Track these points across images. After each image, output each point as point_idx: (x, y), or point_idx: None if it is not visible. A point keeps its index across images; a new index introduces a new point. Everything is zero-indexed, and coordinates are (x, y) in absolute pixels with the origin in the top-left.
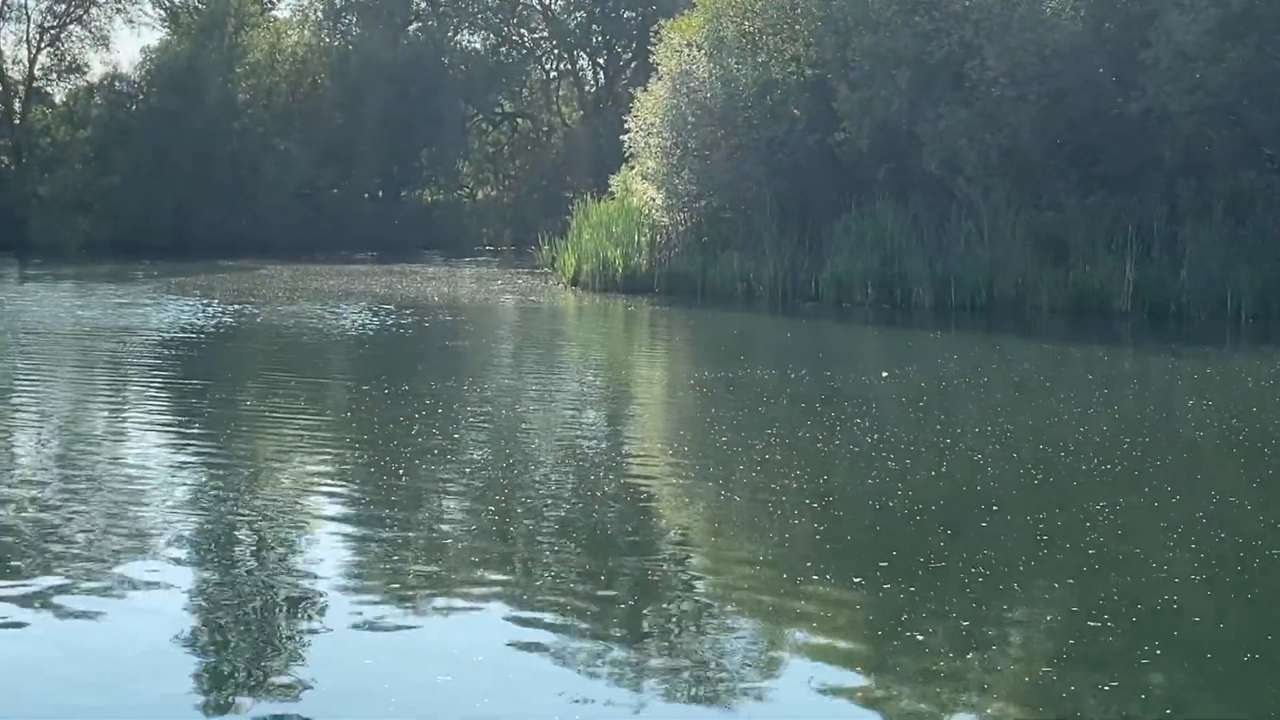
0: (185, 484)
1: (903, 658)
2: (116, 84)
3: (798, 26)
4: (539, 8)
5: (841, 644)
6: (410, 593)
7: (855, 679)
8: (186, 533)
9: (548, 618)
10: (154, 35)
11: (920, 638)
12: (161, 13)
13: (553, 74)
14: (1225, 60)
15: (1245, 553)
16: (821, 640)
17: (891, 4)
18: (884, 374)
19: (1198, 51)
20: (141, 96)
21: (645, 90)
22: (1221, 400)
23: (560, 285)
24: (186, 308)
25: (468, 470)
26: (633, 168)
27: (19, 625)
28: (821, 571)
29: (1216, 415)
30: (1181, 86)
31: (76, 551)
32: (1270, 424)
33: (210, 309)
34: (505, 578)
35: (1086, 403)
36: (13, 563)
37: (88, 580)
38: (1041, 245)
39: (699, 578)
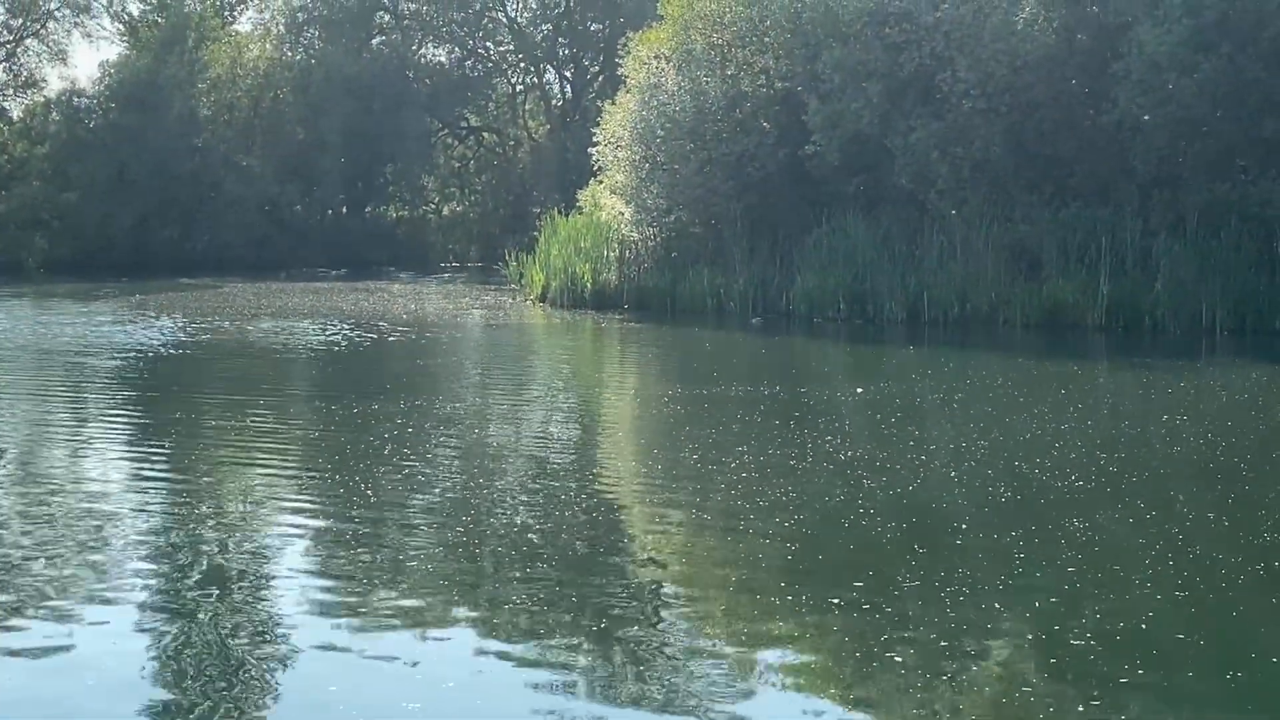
0: (146, 506)
1: (880, 678)
2: (75, 99)
3: (767, 39)
4: (505, 21)
5: (817, 665)
6: (378, 617)
7: (831, 700)
8: (148, 556)
9: (518, 641)
10: (113, 49)
11: (897, 658)
12: (120, 27)
13: (519, 87)
14: (1198, 72)
15: (1223, 569)
16: (797, 661)
17: (861, 16)
18: (857, 390)
19: (1170, 63)
20: (100, 112)
21: (613, 103)
22: (1196, 415)
23: (528, 302)
24: (147, 327)
25: (436, 491)
26: (601, 182)
27: None
28: (796, 592)
29: (1191, 430)
30: (1154, 98)
31: (34, 575)
32: (1245, 438)
33: (172, 328)
34: (474, 601)
35: (1060, 418)
36: None
37: (46, 606)
38: (1014, 259)
39: (671, 598)
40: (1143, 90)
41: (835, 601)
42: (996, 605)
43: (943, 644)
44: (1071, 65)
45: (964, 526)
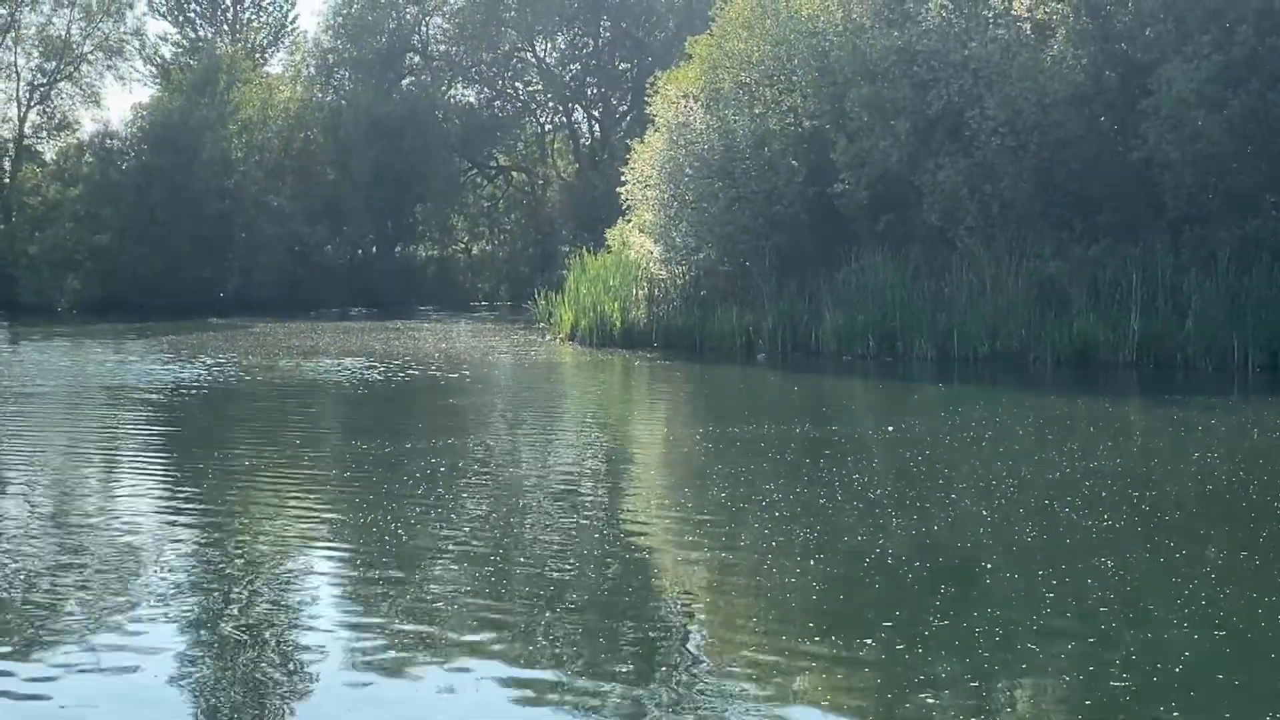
0: (178, 541)
1: (912, 717)
2: (107, 141)
3: (794, 78)
4: (534, 61)
5: (847, 706)
6: (405, 655)
7: None
8: (179, 591)
9: (546, 680)
10: (145, 92)
11: (928, 700)
12: (153, 69)
13: (548, 127)
14: (1227, 108)
15: (1259, 609)
16: (827, 702)
17: (889, 54)
18: (887, 428)
19: (1199, 100)
20: (132, 154)
21: (641, 142)
22: (1228, 452)
23: (557, 340)
24: (179, 367)
25: (467, 529)
26: (629, 220)
27: (5, 674)
28: (826, 631)
29: (1223, 468)
30: (1183, 135)
31: (67, 609)
32: (1278, 476)
33: (203, 367)
34: (503, 640)
35: (1091, 456)
36: (3, 616)
37: (78, 638)
38: (1044, 296)
39: (701, 638)
40: (1172, 127)
41: (864, 641)
42: (1027, 646)
43: (973, 685)
44: (1100, 102)
45: (993, 566)
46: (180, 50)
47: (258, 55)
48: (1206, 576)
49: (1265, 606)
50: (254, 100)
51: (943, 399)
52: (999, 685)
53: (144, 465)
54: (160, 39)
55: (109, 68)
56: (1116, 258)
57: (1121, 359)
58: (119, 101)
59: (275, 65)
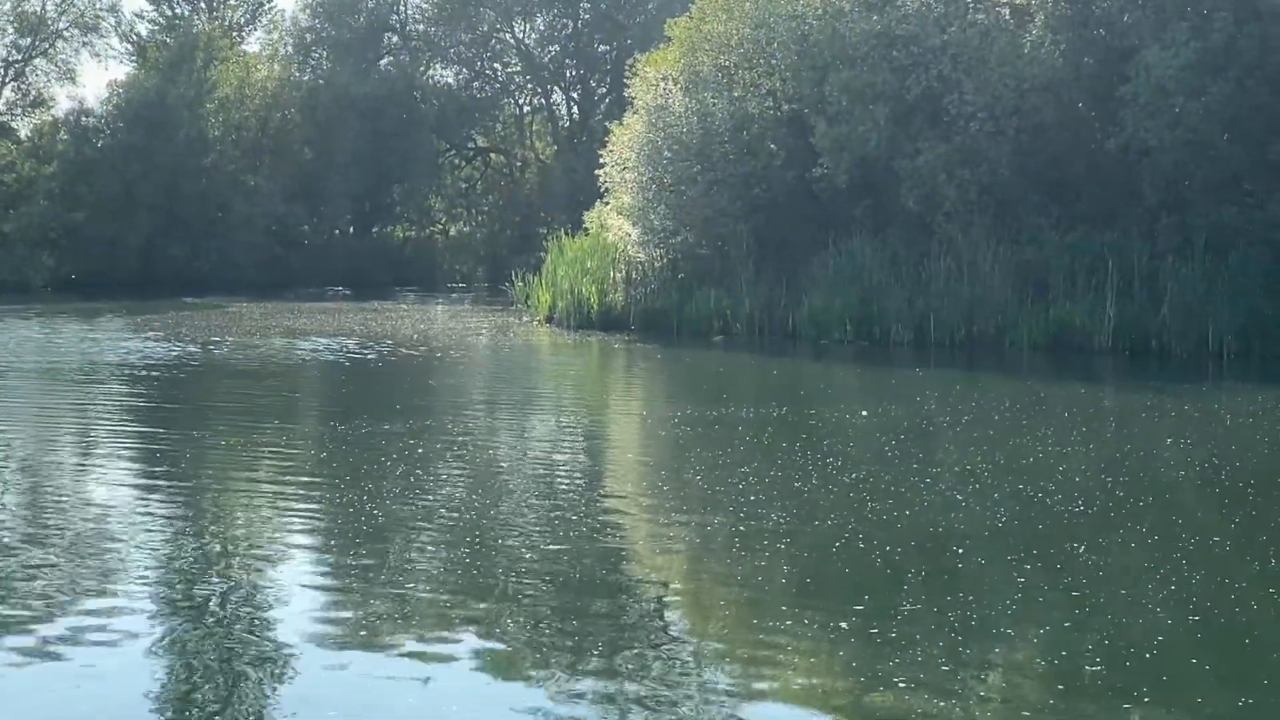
0: (152, 524)
1: (884, 703)
2: (83, 119)
3: (774, 61)
4: (513, 42)
5: (822, 688)
6: (382, 639)
7: None
8: (152, 575)
9: (523, 663)
10: (121, 69)
11: (901, 683)
12: (129, 47)
13: (526, 109)
14: (1205, 96)
15: (1231, 593)
16: (801, 684)
17: (869, 39)
18: (863, 413)
19: (1177, 87)
20: (108, 131)
21: (620, 125)
22: (1202, 438)
23: (534, 322)
24: (154, 346)
25: (444, 511)
26: (607, 203)
27: None
28: (800, 615)
29: (1197, 454)
30: (1161, 121)
31: (38, 594)
32: (1250, 462)
33: (179, 347)
34: (479, 623)
35: (1066, 441)
36: None
37: (49, 625)
38: (1021, 281)
39: (676, 620)
40: (1150, 114)
41: (839, 625)
42: (1001, 630)
43: (947, 668)
44: (1078, 88)
45: (968, 550)
46: (157, 28)
47: (235, 33)
48: (1179, 561)
49: (1237, 591)
50: (231, 79)
51: (919, 383)
52: (973, 669)
53: (118, 445)
54: (137, 16)
55: (85, 44)
56: (1093, 244)
57: (1097, 345)
58: (95, 79)
59: (253, 44)
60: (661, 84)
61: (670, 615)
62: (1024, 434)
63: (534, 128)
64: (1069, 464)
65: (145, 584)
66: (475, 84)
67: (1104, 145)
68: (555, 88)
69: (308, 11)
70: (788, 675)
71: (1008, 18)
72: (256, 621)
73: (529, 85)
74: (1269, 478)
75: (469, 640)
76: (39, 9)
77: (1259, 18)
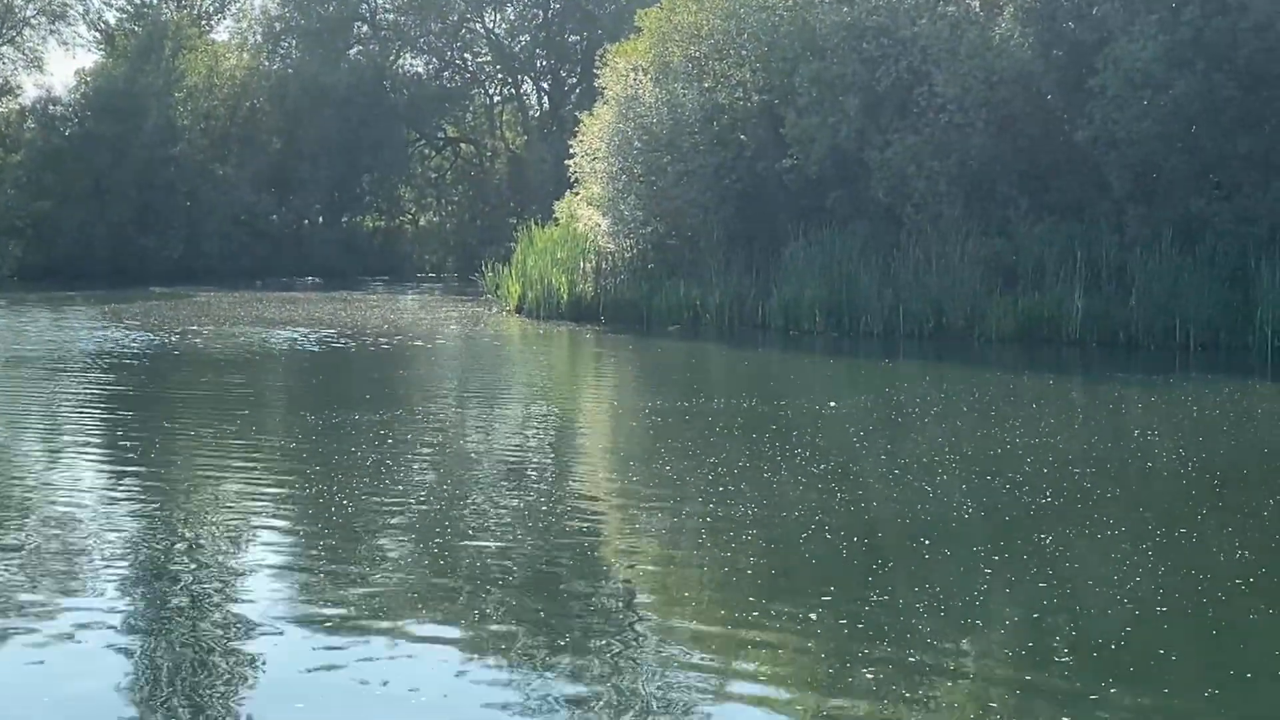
0: (120, 516)
1: (851, 693)
2: (50, 107)
3: (744, 52)
4: (483, 32)
5: (790, 678)
6: (350, 630)
7: (803, 714)
8: (120, 567)
9: (491, 655)
10: (89, 58)
11: (869, 673)
12: (96, 35)
13: (496, 98)
14: (1173, 88)
15: (1197, 585)
16: (770, 674)
17: (839, 30)
18: (832, 403)
19: (1145, 79)
20: (76, 120)
21: (590, 115)
22: (1169, 429)
23: (504, 313)
24: (123, 336)
25: (413, 502)
26: (578, 193)
27: None
28: (768, 605)
29: (1164, 445)
30: (1129, 114)
31: (4, 587)
32: (1217, 453)
33: (147, 337)
34: (448, 614)
35: (1035, 432)
36: None
37: (16, 617)
38: (990, 272)
39: (646, 611)
40: (1118, 106)
41: (806, 616)
42: (970, 619)
43: (913, 659)
44: (1048, 80)
45: (936, 540)
46: (125, 15)
47: (204, 22)
48: (1146, 552)
49: (1204, 582)
50: (200, 67)
51: (889, 374)
52: (941, 659)
53: (86, 434)
54: (105, 4)
55: (52, 32)
56: (1062, 236)
57: (1066, 336)
58: (62, 67)
59: (222, 32)
60: (632, 74)
61: (640, 604)
62: (992, 425)
63: (504, 118)
64: (1037, 455)
65: (112, 574)
66: (445, 74)
67: (1073, 137)
68: (525, 78)
69: (277, 0)
70: (757, 665)
71: (977, 10)
72: (225, 611)
73: (499, 75)
74: (1235, 469)
75: (438, 629)
76: None
77: (1226, 11)
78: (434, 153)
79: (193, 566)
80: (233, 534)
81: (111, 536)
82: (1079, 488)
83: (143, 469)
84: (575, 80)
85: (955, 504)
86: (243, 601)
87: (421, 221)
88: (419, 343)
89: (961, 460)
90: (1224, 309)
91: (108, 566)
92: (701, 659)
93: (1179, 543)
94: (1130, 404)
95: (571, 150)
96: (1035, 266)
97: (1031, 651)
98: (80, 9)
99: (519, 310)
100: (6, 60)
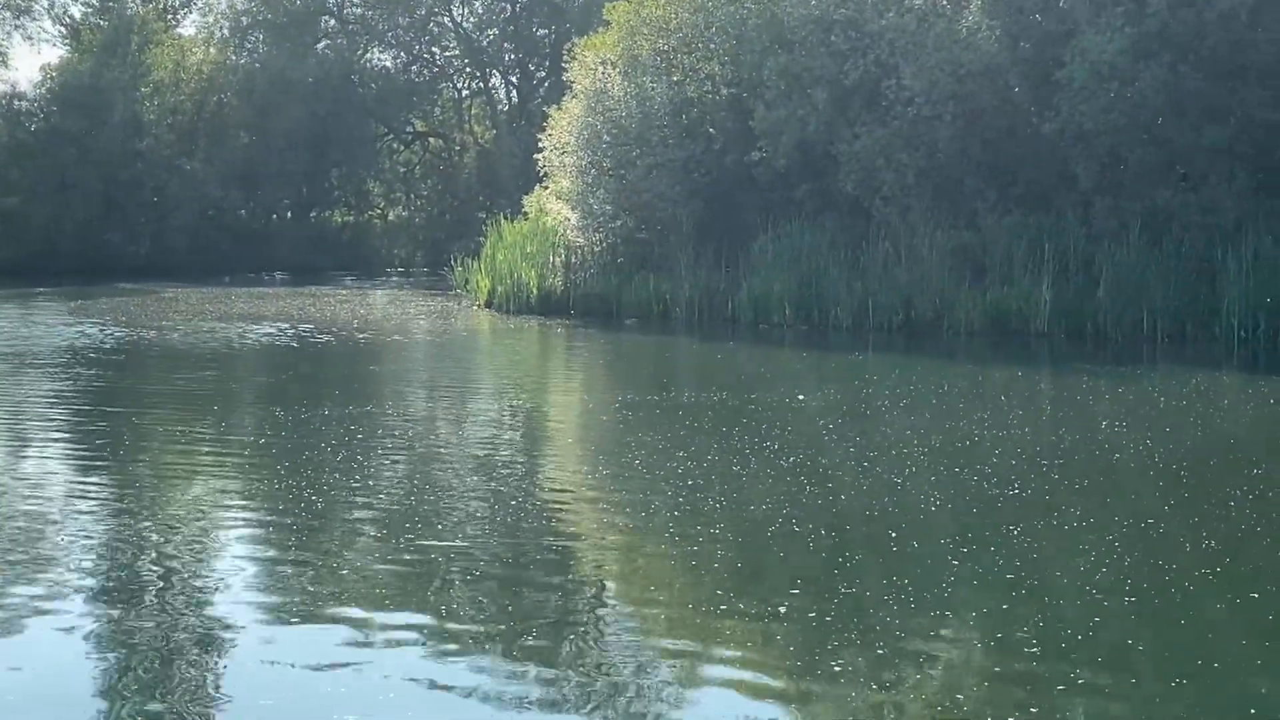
0: (89, 509)
1: (822, 684)
2: (15, 103)
3: (713, 45)
4: (451, 26)
5: (762, 671)
6: (320, 622)
7: (775, 707)
8: (88, 559)
9: (461, 653)
10: (54, 53)
11: (839, 664)
12: (62, 29)
13: (465, 92)
14: (1139, 80)
15: (1164, 575)
16: (741, 668)
17: (806, 23)
18: (800, 396)
19: (1112, 71)
20: (41, 115)
21: (559, 109)
22: (1137, 421)
23: (474, 307)
24: (90, 332)
25: (383, 497)
26: (547, 187)
27: None
28: (737, 598)
29: (1132, 436)
30: (1096, 106)
31: None
32: (1184, 444)
33: (115, 333)
34: (418, 609)
35: (1003, 424)
36: None
37: None
38: (959, 265)
39: (616, 606)
40: (1085, 98)
41: (777, 608)
42: (938, 611)
43: (884, 651)
44: (1015, 73)
45: (905, 532)
46: (90, 10)
47: (170, 16)
48: (1114, 543)
49: (1172, 572)
50: (166, 62)
51: (857, 367)
52: (910, 651)
53: (55, 430)
54: None
55: (16, 27)
56: (1031, 227)
57: (1034, 328)
58: (27, 62)
59: (188, 26)
60: (600, 68)
61: (608, 598)
62: (961, 417)
63: (473, 112)
64: (1005, 447)
65: (81, 568)
66: (413, 68)
67: (1040, 129)
68: (494, 72)
69: None
70: (725, 658)
71: (944, 3)
72: (193, 605)
73: (467, 69)
74: (1202, 459)
75: (407, 623)
76: None
77: (1192, 3)
78: (402, 147)
79: (160, 562)
80: (201, 528)
81: (78, 530)
82: (1047, 479)
83: (111, 464)
84: (544, 74)
85: (923, 496)
86: (211, 594)
87: (390, 216)
88: (389, 338)
89: (930, 452)
90: (1191, 301)
91: (75, 563)
92: (671, 651)
93: (1146, 533)
94: (1098, 395)
95: (540, 144)
96: (1003, 259)
97: (999, 642)
98: (45, 4)
99: (488, 305)
100: None
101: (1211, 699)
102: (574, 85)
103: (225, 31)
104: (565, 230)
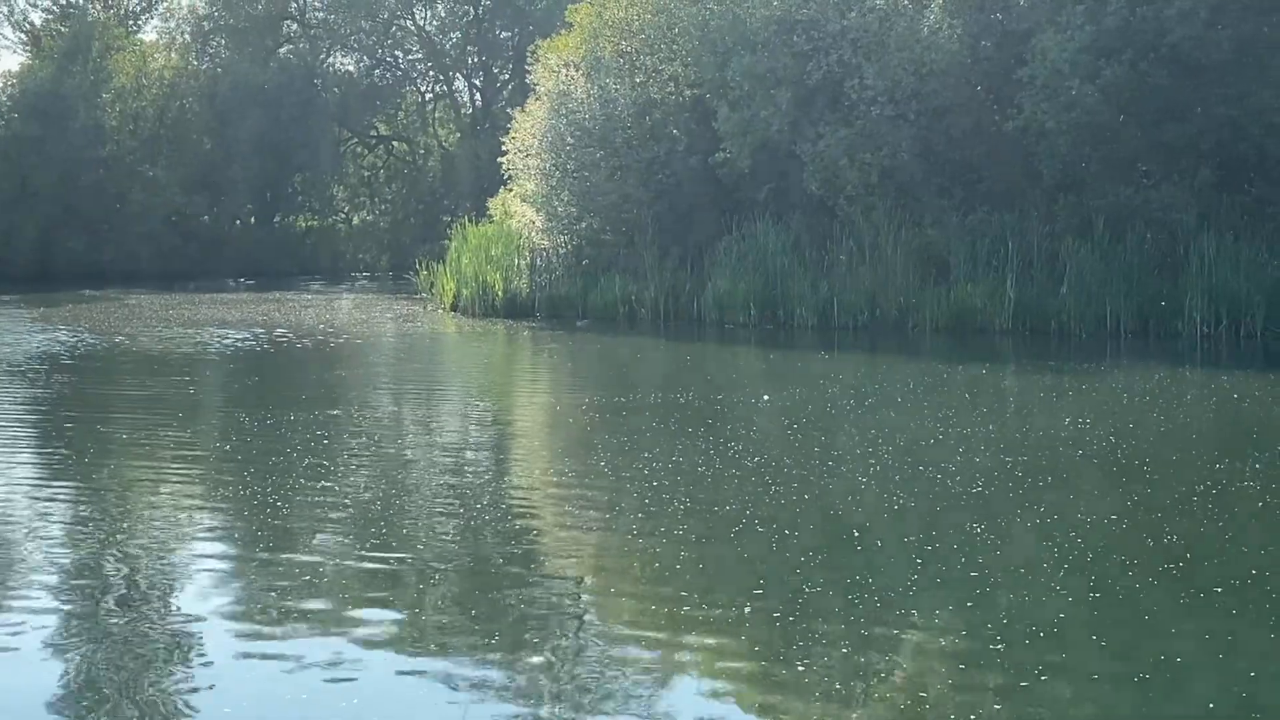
0: (53, 520)
1: (790, 683)
2: None
3: (675, 46)
4: (413, 29)
5: (727, 670)
6: (288, 632)
7: (743, 704)
8: (55, 565)
9: (431, 652)
10: (14, 59)
11: (805, 663)
12: (22, 36)
13: (429, 96)
14: (1100, 78)
15: (1128, 570)
16: (706, 667)
17: (769, 24)
18: (765, 396)
19: (1073, 70)
20: (2, 122)
21: (523, 111)
22: (1100, 417)
23: (440, 310)
24: (52, 339)
25: (350, 501)
26: (511, 190)
27: None
28: (705, 597)
29: (1095, 433)
30: (1058, 104)
31: None
32: (1146, 441)
33: (77, 340)
34: (388, 612)
35: (967, 422)
36: None
37: None
38: (923, 264)
39: (582, 610)
40: (1047, 96)
41: (743, 608)
42: (903, 609)
43: (850, 648)
44: (977, 72)
45: (869, 531)
46: (51, 16)
47: (131, 22)
48: (1077, 540)
49: (1134, 568)
50: (128, 68)
51: (823, 366)
52: (874, 650)
53: (18, 438)
54: (30, 4)
55: None
56: (994, 225)
57: (998, 325)
58: None
59: (149, 32)
60: (564, 70)
61: (574, 599)
62: (925, 416)
63: (436, 115)
64: (969, 445)
65: (47, 575)
66: (376, 71)
67: (1003, 128)
68: (457, 74)
69: None
70: (691, 658)
71: (906, 3)
72: (161, 611)
73: (431, 72)
74: (1164, 456)
75: (376, 626)
76: None
77: (1152, 1)
78: (366, 151)
79: (126, 567)
80: (168, 535)
81: (44, 537)
82: (1011, 477)
83: (73, 473)
84: (507, 77)
85: (887, 494)
86: (179, 599)
87: (355, 220)
88: (355, 342)
89: (894, 450)
90: (1153, 297)
91: (40, 567)
92: (639, 650)
93: (1110, 530)
94: (1061, 393)
95: (504, 147)
96: (967, 257)
97: (964, 640)
98: (5, 10)
99: (454, 308)
100: None
101: (1175, 695)
102: (537, 87)
103: (187, 37)
104: (530, 233)
